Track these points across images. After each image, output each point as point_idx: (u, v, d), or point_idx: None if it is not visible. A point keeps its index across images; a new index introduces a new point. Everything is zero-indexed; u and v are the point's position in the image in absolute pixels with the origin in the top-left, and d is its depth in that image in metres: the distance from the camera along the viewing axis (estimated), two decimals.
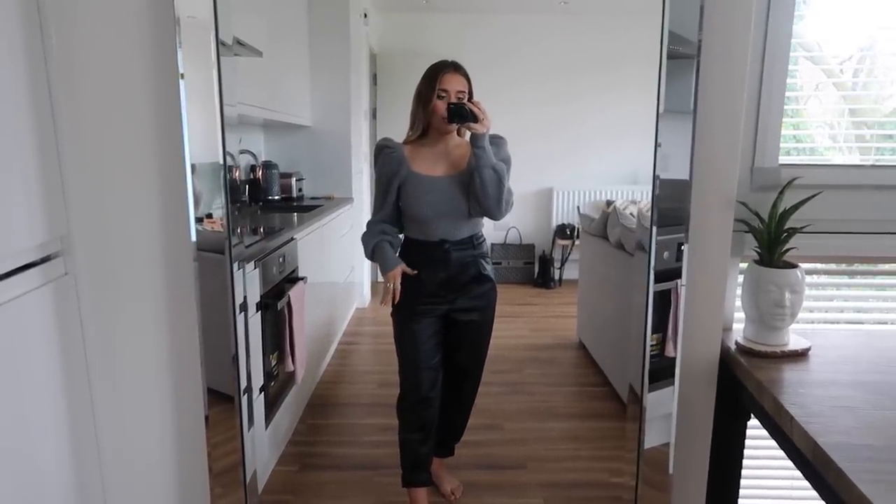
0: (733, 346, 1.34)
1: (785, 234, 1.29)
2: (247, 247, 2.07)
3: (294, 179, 4.03)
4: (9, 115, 1.07)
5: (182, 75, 1.21)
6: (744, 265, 1.37)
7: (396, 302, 2.01)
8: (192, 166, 1.29)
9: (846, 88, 1.79)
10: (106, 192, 1.26)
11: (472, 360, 2.21)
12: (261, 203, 3.71)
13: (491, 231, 5.63)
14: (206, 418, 1.41)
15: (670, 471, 1.41)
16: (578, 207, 5.75)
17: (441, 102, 1.90)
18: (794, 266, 1.31)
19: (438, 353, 2.11)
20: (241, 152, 3.57)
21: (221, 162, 1.33)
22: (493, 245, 5.70)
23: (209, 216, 1.38)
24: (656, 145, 1.23)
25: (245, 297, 2.05)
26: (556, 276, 5.67)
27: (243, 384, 1.74)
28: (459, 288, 2.04)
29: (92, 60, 1.20)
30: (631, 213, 4.12)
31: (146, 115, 1.24)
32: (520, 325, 4.50)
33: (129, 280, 1.31)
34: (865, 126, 1.74)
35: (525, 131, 5.54)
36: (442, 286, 2.03)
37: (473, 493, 2.33)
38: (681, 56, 1.20)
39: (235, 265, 2.01)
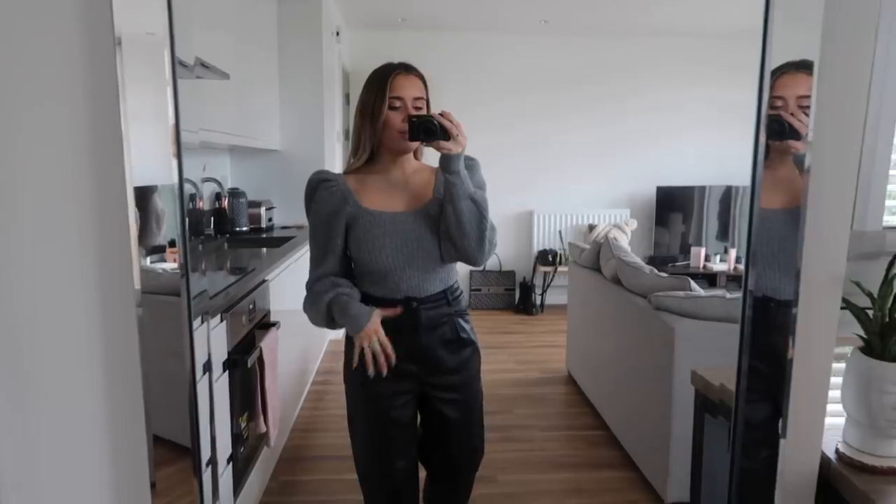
0: (833, 455, 1.07)
1: None
2: (211, 297, 1.80)
3: (264, 209, 3.75)
4: None
5: (123, 100, 1.00)
6: (838, 349, 1.11)
7: (391, 363, 1.50)
8: (155, 188, 1.10)
9: None
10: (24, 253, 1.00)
11: (463, 454, 1.70)
12: (228, 235, 3.42)
13: None
14: None
15: None
16: (560, 232, 5.57)
17: (395, 114, 1.46)
18: None
19: (412, 447, 1.64)
20: (205, 180, 3.28)
21: (178, 201, 1.13)
22: (471, 272, 5.48)
23: (172, 244, 1.16)
24: (753, 197, 0.97)
25: (209, 356, 1.80)
26: (539, 303, 5.47)
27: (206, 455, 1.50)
28: (433, 359, 1.58)
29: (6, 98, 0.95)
30: (615, 238, 3.94)
31: (79, 150, 1.00)
32: (505, 357, 4.27)
33: (56, 359, 1.04)
34: None
35: (503, 152, 5.37)
36: (410, 359, 1.55)
37: None
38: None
39: (199, 320, 1.75)
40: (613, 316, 3.04)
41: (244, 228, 3.59)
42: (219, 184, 3.42)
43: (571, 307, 3.83)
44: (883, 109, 1.14)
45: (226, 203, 3.49)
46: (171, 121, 1.07)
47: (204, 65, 2.41)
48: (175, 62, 1.07)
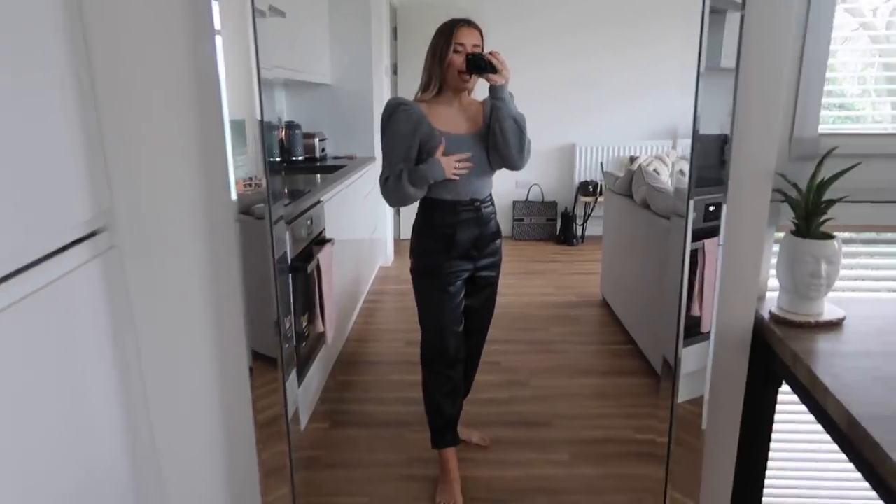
0: (767, 315, 1.34)
1: (823, 205, 1.27)
2: (285, 205, 2.08)
3: (317, 140, 4.02)
4: (53, 92, 1.09)
5: (218, 32, 1.23)
6: (779, 234, 1.36)
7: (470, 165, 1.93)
8: (232, 122, 1.29)
9: (879, 39, 1.72)
10: (145, 159, 1.27)
11: (486, 320, 2.27)
12: (285, 164, 3.71)
13: (513, 188, 5.60)
14: (251, 370, 1.44)
15: (703, 428, 1.42)
16: (602, 164, 5.68)
17: (458, 56, 1.87)
18: (830, 237, 1.30)
19: (463, 314, 2.15)
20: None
21: (259, 119, 1.35)
22: (514, 202, 5.68)
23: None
24: (696, 109, 1.20)
25: (286, 253, 2.09)
26: (579, 233, 5.65)
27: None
28: (485, 245, 2.08)
29: (128, 27, 1.21)
30: (655, 170, 4.08)
31: (182, 78, 1.24)
32: (544, 282, 4.52)
33: (172, 245, 1.33)
34: None
35: (547, 88, 5.45)
36: (474, 245, 2.05)
37: (501, 448, 2.39)
38: (720, 10, 1.17)
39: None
40: (640, 238, 3.23)
41: (299, 158, 3.89)
42: (276, 117, 3.70)
43: (606, 233, 4.02)
44: (821, 20, 1.29)
45: (283, 134, 3.78)
46: (253, 61, 1.30)
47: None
48: (255, 7, 1.29)
